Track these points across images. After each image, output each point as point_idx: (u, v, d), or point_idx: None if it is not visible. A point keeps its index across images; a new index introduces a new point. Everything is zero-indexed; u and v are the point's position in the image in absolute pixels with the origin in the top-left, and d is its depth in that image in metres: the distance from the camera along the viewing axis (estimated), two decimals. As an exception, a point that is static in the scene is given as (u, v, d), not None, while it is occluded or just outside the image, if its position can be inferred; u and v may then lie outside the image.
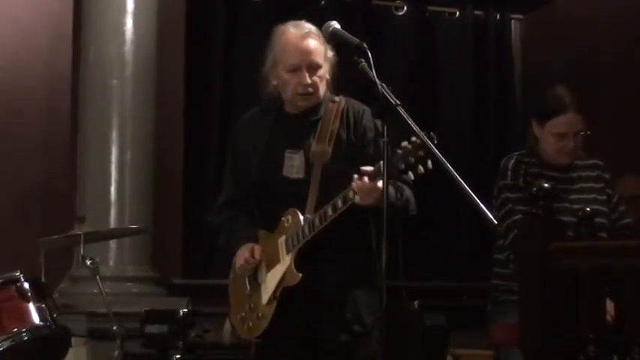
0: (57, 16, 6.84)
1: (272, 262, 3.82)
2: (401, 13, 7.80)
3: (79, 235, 5.05)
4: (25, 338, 4.59)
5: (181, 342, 5.43)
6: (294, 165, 3.82)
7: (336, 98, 3.88)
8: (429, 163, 3.34)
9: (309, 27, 3.87)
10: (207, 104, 7.28)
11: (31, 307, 4.66)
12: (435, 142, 3.32)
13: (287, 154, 3.83)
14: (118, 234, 5.99)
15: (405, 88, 7.41)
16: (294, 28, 3.87)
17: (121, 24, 6.51)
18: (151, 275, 6.53)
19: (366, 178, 3.52)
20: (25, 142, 6.76)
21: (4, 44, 6.74)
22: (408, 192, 3.70)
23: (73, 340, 4.91)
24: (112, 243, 6.30)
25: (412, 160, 3.36)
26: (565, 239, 3.40)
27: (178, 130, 7.05)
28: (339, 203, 3.62)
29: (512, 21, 8.21)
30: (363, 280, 3.75)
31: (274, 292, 3.77)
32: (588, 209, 3.51)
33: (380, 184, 3.41)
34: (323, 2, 7.50)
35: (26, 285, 4.69)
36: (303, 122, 3.85)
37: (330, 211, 3.64)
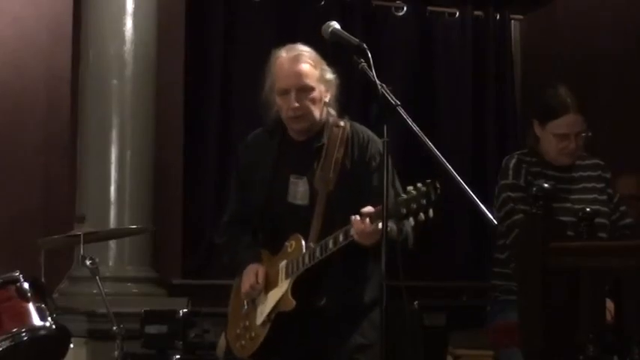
0: (57, 16, 6.84)
1: (271, 284, 3.84)
2: (401, 14, 7.80)
3: (79, 235, 5.05)
4: (25, 338, 4.58)
5: (181, 342, 5.43)
6: (298, 191, 3.84)
7: (341, 123, 3.88)
8: (431, 212, 3.39)
9: (300, 49, 3.86)
10: (206, 104, 7.27)
11: (31, 307, 4.65)
12: (439, 192, 3.37)
13: (292, 180, 3.85)
14: (117, 234, 5.99)
15: (404, 88, 7.40)
16: (285, 51, 3.87)
17: (121, 24, 6.51)
18: (150, 275, 6.52)
19: (367, 220, 3.53)
20: (25, 142, 6.76)
21: (4, 44, 6.74)
22: (408, 228, 3.69)
23: (73, 340, 4.90)
24: (112, 243, 6.29)
25: (414, 206, 3.40)
26: (565, 239, 3.40)
27: (178, 130, 7.05)
28: (341, 238, 3.63)
29: (512, 21, 8.21)
30: (369, 300, 3.79)
31: (269, 314, 3.79)
32: (588, 209, 3.51)
33: (380, 225, 3.40)
34: (323, 2, 7.50)
35: (26, 285, 4.68)
36: (307, 148, 3.86)
37: (331, 244, 3.66)
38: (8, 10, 6.78)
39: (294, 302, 3.71)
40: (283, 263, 3.80)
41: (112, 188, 6.40)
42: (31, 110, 6.79)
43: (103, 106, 6.47)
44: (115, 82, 6.48)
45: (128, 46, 6.51)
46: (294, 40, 3.96)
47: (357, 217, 3.55)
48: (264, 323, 3.80)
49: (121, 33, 6.50)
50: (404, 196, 3.43)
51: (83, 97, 6.57)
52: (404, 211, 3.42)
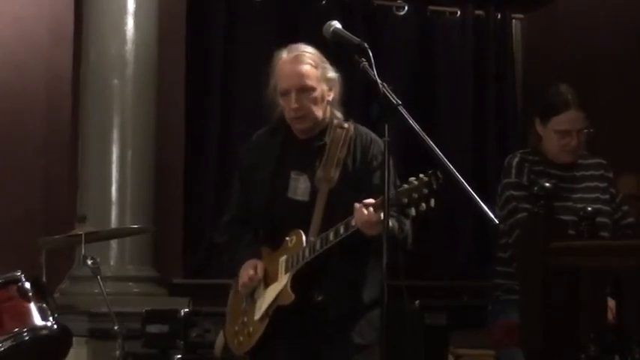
0: (57, 16, 6.84)
1: (270, 279, 3.83)
2: (401, 13, 7.80)
3: (80, 235, 5.05)
4: (26, 338, 4.58)
5: (182, 342, 5.43)
6: (299, 187, 3.84)
7: (345, 124, 3.89)
8: (432, 201, 3.41)
9: (302, 50, 3.87)
10: (207, 104, 7.28)
11: (32, 307, 4.66)
12: (441, 181, 3.38)
13: (292, 176, 3.85)
14: (118, 234, 5.99)
15: (405, 88, 7.40)
16: (286, 52, 3.88)
17: (122, 24, 6.51)
18: (151, 275, 6.53)
19: (370, 209, 3.53)
20: (26, 143, 6.76)
21: (4, 44, 6.74)
22: (407, 227, 3.71)
23: (74, 339, 4.91)
24: (113, 243, 6.30)
25: (416, 196, 3.42)
26: (566, 238, 3.40)
27: (179, 129, 7.05)
28: (341, 229, 3.64)
29: (513, 20, 8.21)
30: (368, 299, 3.78)
31: (267, 309, 3.79)
32: (589, 208, 3.51)
33: (382, 215, 3.41)
34: (323, 2, 7.50)
35: (27, 285, 4.68)
36: (310, 146, 3.87)
37: (331, 237, 3.66)
38: (8, 10, 6.78)
39: (293, 295, 3.71)
40: (283, 258, 3.80)
41: (113, 188, 6.40)
42: (32, 110, 6.79)
43: (103, 106, 6.47)
44: (115, 82, 6.48)
45: (129, 46, 6.51)
46: (294, 40, 3.96)
47: (360, 205, 3.56)
48: (262, 318, 3.80)
49: (122, 33, 6.51)
50: (405, 185, 3.44)
51: (84, 97, 6.58)
52: (405, 200, 3.43)
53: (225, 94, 7.28)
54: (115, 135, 6.44)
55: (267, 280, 3.85)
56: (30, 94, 6.78)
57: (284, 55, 3.87)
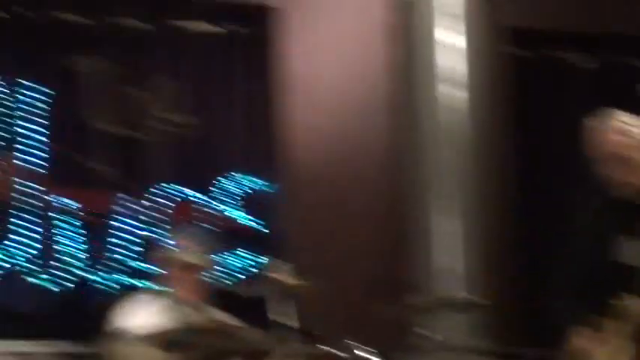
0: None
1: (613, 353, 3.74)
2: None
3: (416, 305, 5.06)
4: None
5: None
6: (630, 252, 3.79)
7: None
8: None
9: (618, 118, 3.92)
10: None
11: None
12: None
13: (623, 241, 3.82)
14: (455, 305, 5.87)
15: None
16: (602, 120, 3.94)
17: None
18: (490, 347, 6.38)
19: None
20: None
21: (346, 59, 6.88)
22: None
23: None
24: (448, 313, 6.21)
25: None
26: None
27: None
28: None
29: None
30: None
31: None
32: None
33: None
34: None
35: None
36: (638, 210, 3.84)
37: None
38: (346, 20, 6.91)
39: None
40: (626, 328, 3.72)
41: (452, 258, 6.41)
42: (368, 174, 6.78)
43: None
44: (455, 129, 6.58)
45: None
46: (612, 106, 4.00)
47: None
48: None
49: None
50: None
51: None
52: None
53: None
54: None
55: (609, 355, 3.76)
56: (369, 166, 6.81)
57: (601, 123, 3.92)
